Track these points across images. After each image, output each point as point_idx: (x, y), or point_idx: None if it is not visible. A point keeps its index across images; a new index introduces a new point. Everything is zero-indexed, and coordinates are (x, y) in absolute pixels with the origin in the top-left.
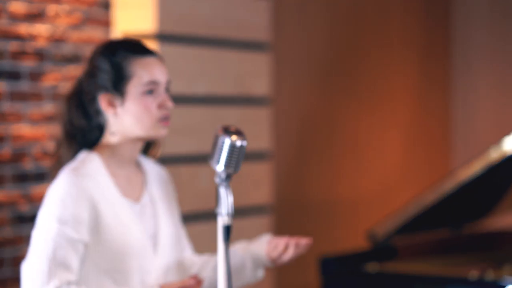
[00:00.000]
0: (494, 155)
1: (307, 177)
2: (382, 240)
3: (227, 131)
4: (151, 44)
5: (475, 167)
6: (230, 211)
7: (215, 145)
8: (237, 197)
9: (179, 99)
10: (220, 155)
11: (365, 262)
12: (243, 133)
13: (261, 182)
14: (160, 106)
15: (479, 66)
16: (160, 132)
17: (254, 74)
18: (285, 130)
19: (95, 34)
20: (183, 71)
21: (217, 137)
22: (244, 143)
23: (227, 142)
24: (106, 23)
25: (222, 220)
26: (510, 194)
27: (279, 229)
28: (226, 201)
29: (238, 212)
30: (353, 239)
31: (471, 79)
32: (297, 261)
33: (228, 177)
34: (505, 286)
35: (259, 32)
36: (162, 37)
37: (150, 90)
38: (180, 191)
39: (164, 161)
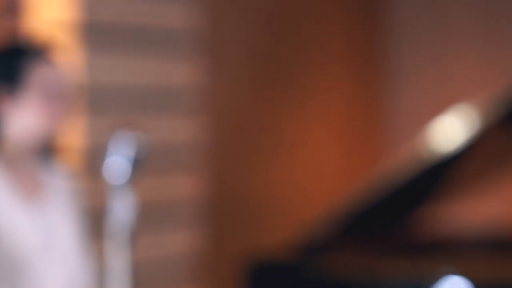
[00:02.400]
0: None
1: (242, 172)
2: (318, 242)
3: None
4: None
5: (407, 165)
6: None
7: None
8: (168, 190)
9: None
10: None
11: (301, 267)
12: None
13: (193, 175)
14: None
15: (409, 64)
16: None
17: (185, 65)
18: (222, 124)
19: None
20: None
21: None
22: None
23: None
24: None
25: None
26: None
27: (210, 224)
28: None
29: (169, 205)
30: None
31: (401, 77)
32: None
33: None
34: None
35: (191, 22)
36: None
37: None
38: None
39: None
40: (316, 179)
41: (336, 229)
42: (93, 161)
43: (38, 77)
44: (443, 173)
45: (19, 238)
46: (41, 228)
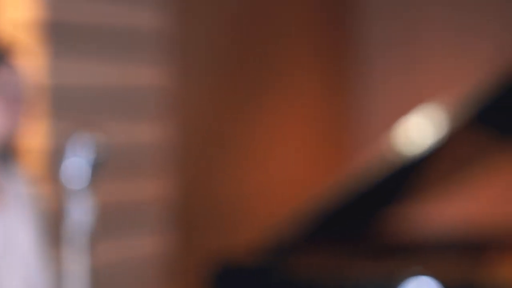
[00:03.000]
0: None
1: (210, 174)
2: (286, 244)
3: None
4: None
5: (376, 166)
6: None
7: None
8: (135, 193)
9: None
10: None
11: (268, 269)
12: None
13: (160, 178)
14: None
15: (379, 64)
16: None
17: (151, 67)
18: (190, 126)
19: None
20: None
21: None
22: None
23: None
24: None
25: None
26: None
27: (177, 227)
28: None
29: (136, 208)
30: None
31: (371, 77)
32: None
33: None
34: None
35: (157, 23)
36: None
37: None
38: None
39: None
40: (285, 180)
41: (305, 231)
42: (55, 164)
43: None
44: (412, 174)
45: None
46: (0, 234)
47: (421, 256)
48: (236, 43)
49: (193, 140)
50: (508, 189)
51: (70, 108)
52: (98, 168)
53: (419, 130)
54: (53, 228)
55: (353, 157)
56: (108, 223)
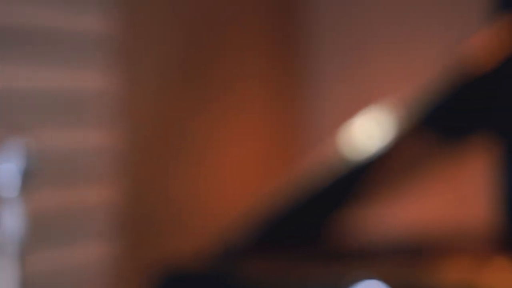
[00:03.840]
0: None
1: (159, 179)
2: (235, 248)
3: None
4: None
5: (326, 168)
6: None
7: None
8: (78, 197)
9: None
10: None
11: (216, 275)
12: None
13: (107, 184)
14: None
15: (330, 65)
16: None
17: (97, 71)
18: (138, 131)
19: None
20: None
21: None
22: None
23: None
24: None
25: None
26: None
27: (125, 234)
28: None
29: (81, 216)
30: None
31: (322, 78)
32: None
33: None
34: None
35: (103, 26)
36: None
37: None
38: None
39: None
40: (235, 184)
41: (254, 235)
42: None
43: None
44: (360, 177)
45: None
46: None
47: (370, 259)
48: (184, 47)
49: (140, 145)
50: (455, 193)
51: (7, 114)
52: (31, 176)
53: (367, 133)
54: None
55: (303, 160)
56: (49, 231)
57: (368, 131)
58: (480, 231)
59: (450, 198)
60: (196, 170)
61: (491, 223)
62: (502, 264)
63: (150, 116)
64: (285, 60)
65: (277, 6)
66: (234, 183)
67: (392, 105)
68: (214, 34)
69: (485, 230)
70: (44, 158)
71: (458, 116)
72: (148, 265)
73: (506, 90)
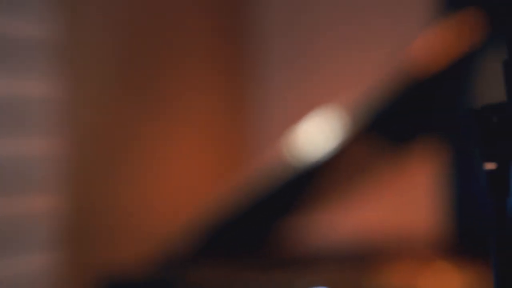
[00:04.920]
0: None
1: (105, 186)
2: (178, 256)
3: None
4: None
5: (274, 173)
6: None
7: None
8: (19, 205)
9: None
10: None
11: (158, 284)
12: None
13: (49, 193)
14: None
15: (277, 66)
16: None
17: (39, 77)
18: (83, 138)
19: None
20: None
21: None
22: None
23: None
24: None
25: None
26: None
27: (68, 243)
28: None
29: (23, 225)
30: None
31: (269, 80)
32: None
33: None
34: None
35: (46, 31)
36: None
37: None
38: None
39: None
40: (181, 191)
41: (199, 241)
42: None
43: None
44: (309, 181)
45: None
46: None
47: (315, 266)
48: (128, 53)
49: (84, 152)
50: (399, 198)
51: None
52: None
53: (313, 137)
54: None
55: (250, 166)
56: None
57: (314, 136)
58: (423, 235)
59: (395, 203)
60: (141, 177)
61: (435, 228)
62: (444, 268)
63: (93, 123)
64: (231, 64)
65: (224, 10)
66: (180, 189)
67: (338, 109)
68: (159, 39)
69: (429, 235)
70: None
71: (404, 120)
72: (92, 273)
73: (451, 93)
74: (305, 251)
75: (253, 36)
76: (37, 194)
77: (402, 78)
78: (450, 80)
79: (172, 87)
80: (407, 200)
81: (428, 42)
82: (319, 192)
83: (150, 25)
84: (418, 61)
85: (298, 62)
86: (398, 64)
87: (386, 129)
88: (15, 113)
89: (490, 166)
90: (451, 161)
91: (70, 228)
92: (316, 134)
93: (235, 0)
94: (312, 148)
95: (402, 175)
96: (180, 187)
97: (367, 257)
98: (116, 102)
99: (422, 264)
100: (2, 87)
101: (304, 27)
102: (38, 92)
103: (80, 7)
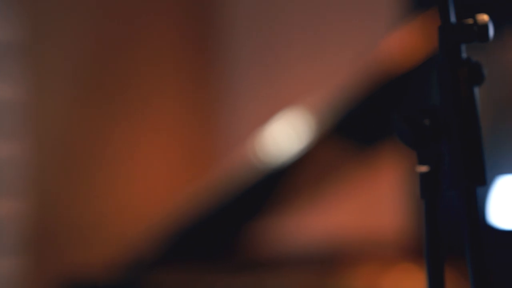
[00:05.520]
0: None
1: (69, 189)
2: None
3: None
4: None
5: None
6: None
7: None
8: None
9: None
10: None
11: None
12: None
13: (12, 198)
14: None
15: (246, 76)
16: None
17: (5, 77)
18: (46, 142)
19: None
20: None
21: None
22: None
23: None
24: None
25: None
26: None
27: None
28: None
29: None
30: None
31: (237, 83)
32: None
33: None
34: None
35: (8, 34)
36: None
37: None
38: None
39: None
40: (147, 194)
41: (165, 245)
42: None
43: None
44: (276, 183)
45: None
46: None
47: (284, 268)
48: (96, 58)
49: (50, 156)
50: (367, 200)
51: None
52: None
53: (281, 138)
54: None
55: (217, 169)
56: None
57: (281, 137)
58: (389, 237)
59: (361, 205)
60: (107, 180)
61: (400, 230)
62: (409, 270)
63: (59, 126)
64: (199, 67)
65: (191, 14)
66: (147, 192)
67: (305, 111)
68: (127, 43)
69: (395, 237)
70: None
71: (371, 121)
72: (56, 277)
73: (419, 94)
74: (272, 253)
75: (221, 40)
76: (1, 197)
77: (370, 78)
78: (418, 80)
79: (139, 91)
80: (374, 202)
81: (396, 42)
82: (286, 194)
83: (117, 30)
84: (386, 61)
85: (265, 64)
86: (365, 64)
87: (353, 130)
88: None
89: (422, 168)
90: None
91: (35, 232)
92: (283, 136)
93: (203, 6)
94: (279, 150)
95: (369, 177)
96: (147, 190)
97: (333, 259)
98: (83, 106)
99: (387, 266)
100: None
101: (271, 31)
102: (2, 95)
103: (46, 12)
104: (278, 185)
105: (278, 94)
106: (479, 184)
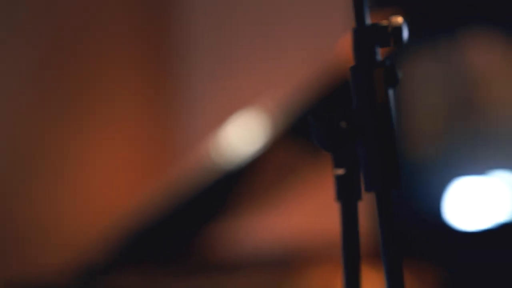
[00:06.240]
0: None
1: (18, 193)
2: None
3: None
4: None
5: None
6: None
7: None
8: None
9: None
10: None
11: None
12: None
13: None
14: None
15: (202, 79)
16: None
17: None
18: None
19: None
20: None
21: None
22: None
23: None
24: None
25: None
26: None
27: None
28: None
29: None
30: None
31: (195, 87)
32: None
33: None
34: None
35: None
36: None
37: None
38: None
39: None
40: (104, 195)
41: (119, 248)
42: None
43: None
44: (232, 185)
45: None
46: None
47: (239, 271)
48: (49, 57)
49: (3, 157)
50: (327, 201)
51: None
52: None
53: (236, 140)
54: None
55: (173, 171)
56: None
57: (236, 138)
58: None
59: (317, 207)
60: (59, 184)
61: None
62: (365, 272)
63: (13, 128)
64: (156, 68)
65: (148, 13)
66: (102, 195)
67: (261, 112)
68: (83, 44)
69: None
70: None
71: None
72: (6, 282)
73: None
74: (228, 255)
75: (178, 40)
76: None
77: (326, 79)
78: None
79: (94, 91)
80: (329, 204)
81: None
82: (242, 196)
83: (71, 30)
84: (341, 62)
85: (223, 65)
86: (321, 65)
87: (309, 132)
88: None
89: (338, 171)
90: None
91: None
92: (239, 137)
93: (159, 6)
94: (234, 151)
95: (325, 179)
96: (102, 192)
97: (289, 261)
98: (37, 106)
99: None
100: None
101: (228, 31)
102: None
103: None
104: (234, 186)
105: (234, 94)
106: (393, 188)
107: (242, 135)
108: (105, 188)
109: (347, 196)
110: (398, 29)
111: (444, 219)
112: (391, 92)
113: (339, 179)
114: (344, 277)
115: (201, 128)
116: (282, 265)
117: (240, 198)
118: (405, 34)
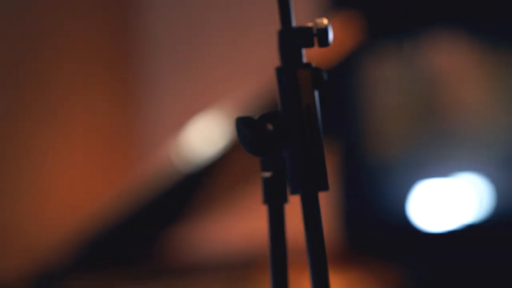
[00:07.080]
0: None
1: None
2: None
3: None
4: None
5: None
6: None
7: None
8: None
9: None
10: None
11: None
12: None
13: None
14: None
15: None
16: None
17: None
18: None
19: None
20: None
21: None
22: None
23: None
24: None
25: None
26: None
27: None
28: None
29: None
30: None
31: (157, 86)
32: None
33: None
34: None
35: None
36: None
37: None
38: None
39: None
40: (63, 200)
41: (77, 253)
42: None
43: None
44: (192, 188)
45: None
46: None
47: (199, 275)
48: (12, 55)
49: None
50: (291, 203)
51: None
52: None
53: (198, 142)
54: None
55: (135, 172)
56: None
57: (198, 140)
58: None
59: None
60: (20, 186)
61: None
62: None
63: None
64: (119, 67)
65: (110, 11)
66: (62, 199)
67: (224, 113)
68: (47, 41)
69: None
70: None
71: None
72: None
73: (342, 92)
74: (187, 259)
75: (141, 39)
76: None
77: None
78: (342, 78)
79: (58, 90)
80: (292, 207)
81: None
82: (202, 199)
83: (35, 27)
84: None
85: (186, 65)
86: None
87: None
88: None
89: (265, 174)
90: (341, 166)
91: None
92: (200, 139)
93: (122, 5)
94: (195, 154)
95: None
96: (61, 198)
97: (250, 265)
98: (0, 105)
99: (305, 272)
100: None
101: (192, 31)
102: None
103: None
104: (194, 189)
105: (198, 95)
106: (320, 190)
107: (202, 138)
108: (65, 193)
109: (273, 199)
110: (324, 30)
111: (409, 220)
112: (317, 95)
113: (266, 182)
114: (271, 279)
115: (163, 130)
116: (242, 268)
117: (200, 201)
118: (331, 35)
